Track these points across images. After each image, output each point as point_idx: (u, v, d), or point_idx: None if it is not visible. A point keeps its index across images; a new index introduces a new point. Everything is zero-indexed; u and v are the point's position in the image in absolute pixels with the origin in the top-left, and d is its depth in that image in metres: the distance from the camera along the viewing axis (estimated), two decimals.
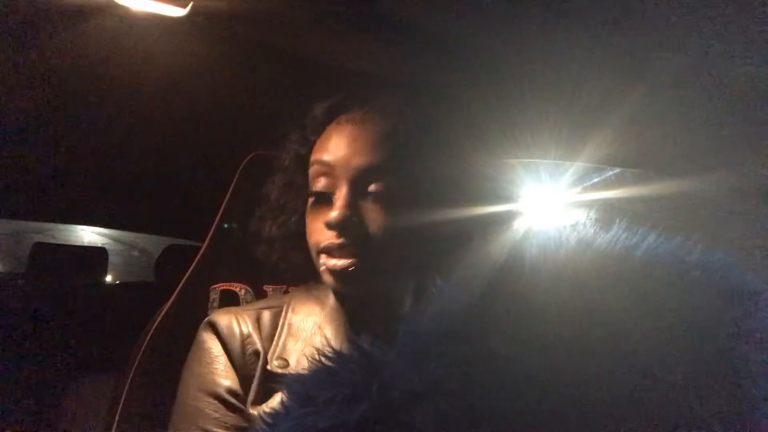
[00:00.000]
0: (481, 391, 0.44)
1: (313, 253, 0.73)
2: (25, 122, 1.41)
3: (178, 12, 0.80)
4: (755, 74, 0.80)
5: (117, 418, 0.90)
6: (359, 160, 0.69)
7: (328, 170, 0.70)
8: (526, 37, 0.80)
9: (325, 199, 0.71)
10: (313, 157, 0.73)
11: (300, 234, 0.76)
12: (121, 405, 0.90)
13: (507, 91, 0.95)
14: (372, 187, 0.69)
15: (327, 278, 0.71)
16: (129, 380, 0.92)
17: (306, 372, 0.52)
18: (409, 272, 0.72)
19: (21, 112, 1.33)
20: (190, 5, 0.78)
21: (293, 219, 0.78)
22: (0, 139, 1.49)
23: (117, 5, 0.78)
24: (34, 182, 2.00)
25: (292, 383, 0.51)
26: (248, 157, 1.00)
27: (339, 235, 0.69)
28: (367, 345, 0.51)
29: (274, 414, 0.50)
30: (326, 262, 0.70)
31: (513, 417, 0.44)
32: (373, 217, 0.69)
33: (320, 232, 0.71)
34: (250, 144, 1.02)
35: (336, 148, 0.70)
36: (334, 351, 0.53)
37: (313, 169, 0.73)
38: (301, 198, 0.77)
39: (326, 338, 0.74)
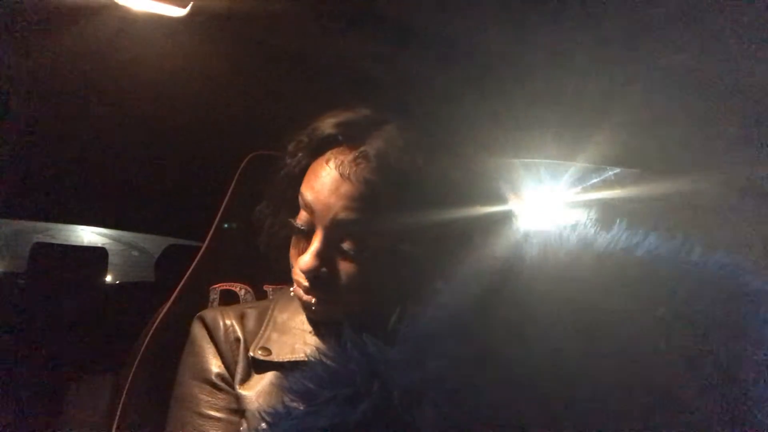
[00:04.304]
0: (481, 391, 0.44)
1: (292, 276, 0.76)
2: (25, 122, 1.41)
3: (178, 12, 0.79)
4: (755, 74, 0.80)
5: (117, 418, 0.90)
6: (337, 214, 0.68)
7: (310, 209, 0.71)
8: (527, 37, 0.80)
9: (305, 233, 0.72)
10: (302, 185, 0.73)
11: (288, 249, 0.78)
12: (121, 405, 0.90)
13: (507, 91, 0.95)
14: (346, 244, 0.69)
15: (294, 294, 0.75)
16: (129, 380, 0.92)
17: (306, 371, 0.52)
18: (387, 304, 0.66)
19: (21, 112, 1.33)
20: (190, 5, 0.78)
21: (283, 235, 0.80)
22: (0, 139, 1.49)
23: (117, 5, 0.78)
24: (34, 182, 2.00)
25: (293, 383, 0.51)
26: (248, 157, 1.00)
27: (307, 280, 0.71)
28: (367, 345, 0.51)
29: (275, 413, 0.50)
30: (297, 292, 0.74)
31: (513, 417, 0.44)
32: (344, 272, 0.70)
33: (295, 263, 0.73)
34: (250, 144, 1.02)
35: (320, 190, 0.69)
36: (335, 351, 0.54)
37: (300, 198, 0.73)
38: (291, 217, 0.77)
39: (312, 335, 0.77)
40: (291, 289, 0.76)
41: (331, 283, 0.70)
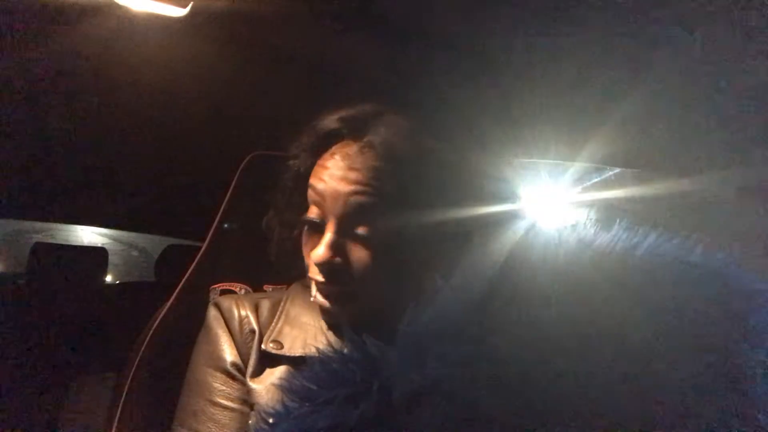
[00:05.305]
0: (481, 391, 0.44)
1: (307, 275, 0.75)
2: (26, 122, 1.41)
3: (178, 12, 0.80)
4: (755, 74, 0.80)
5: (117, 418, 0.90)
6: (348, 201, 0.69)
7: (320, 201, 0.71)
8: (527, 37, 0.80)
9: (316, 227, 0.72)
10: (310, 180, 0.74)
11: (300, 247, 0.77)
12: (121, 405, 0.90)
13: (507, 91, 0.95)
14: (360, 230, 0.69)
15: (315, 301, 0.74)
16: (129, 380, 0.92)
17: (306, 371, 0.52)
18: (401, 293, 0.68)
19: (21, 112, 1.33)
20: (190, 5, 0.78)
21: (295, 234, 0.79)
22: (0, 139, 1.49)
23: (117, 5, 0.78)
24: (34, 182, 2.00)
25: (293, 382, 0.51)
26: (248, 157, 1.00)
27: (322, 273, 0.71)
28: (367, 345, 0.51)
29: (275, 413, 0.50)
30: (317, 299, 0.73)
31: (513, 417, 0.44)
32: (359, 258, 0.70)
33: (309, 259, 0.73)
34: (250, 144, 1.02)
35: (329, 180, 0.70)
36: (335, 351, 0.54)
37: (309, 193, 0.73)
38: (301, 215, 0.77)
39: (323, 332, 0.76)
40: (312, 296, 0.74)
41: (346, 273, 0.70)
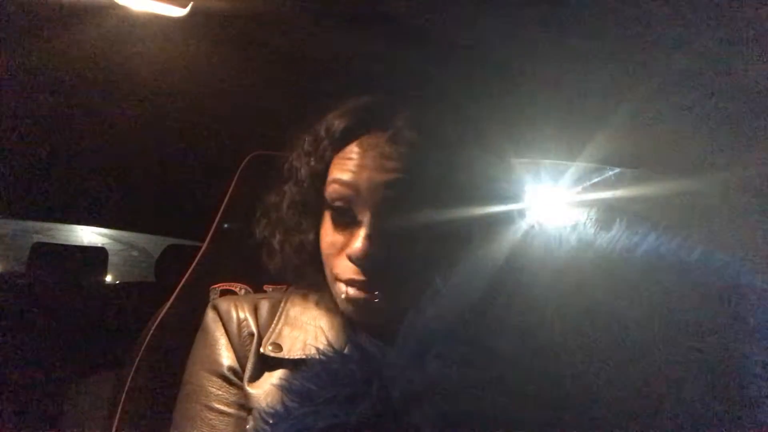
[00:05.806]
0: (481, 391, 0.44)
1: (330, 278, 0.72)
2: (25, 122, 1.41)
3: (178, 12, 0.79)
4: (755, 73, 0.80)
5: (117, 418, 0.90)
6: (386, 191, 0.66)
7: (352, 194, 0.68)
8: (527, 37, 0.80)
9: (345, 224, 0.69)
10: (333, 176, 0.70)
11: (314, 251, 0.74)
12: (121, 405, 0.90)
13: (508, 91, 0.95)
14: (400, 220, 0.66)
15: (344, 307, 0.70)
16: (129, 380, 0.92)
17: (306, 371, 0.52)
18: (418, 290, 0.66)
19: (21, 112, 1.33)
20: (190, 5, 0.78)
21: (309, 237, 0.75)
22: (0, 138, 1.49)
23: (117, 5, 0.78)
24: (34, 182, 2.00)
25: (293, 383, 0.51)
26: (248, 157, 1.00)
27: (363, 270, 0.67)
28: (367, 345, 0.51)
29: (274, 413, 0.50)
30: (346, 291, 0.69)
31: (513, 417, 0.44)
32: (401, 250, 0.66)
33: (340, 261, 0.69)
34: (250, 144, 1.02)
35: (360, 171, 0.67)
36: (335, 350, 0.53)
37: (332, 188, 0.70)
38: (316, 216, 0.75)
39: (323, 332, 0.74)
40: (342, 293, 0.69)
41: (389, 266, 0.66)
